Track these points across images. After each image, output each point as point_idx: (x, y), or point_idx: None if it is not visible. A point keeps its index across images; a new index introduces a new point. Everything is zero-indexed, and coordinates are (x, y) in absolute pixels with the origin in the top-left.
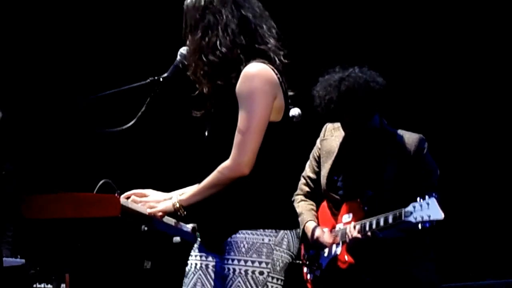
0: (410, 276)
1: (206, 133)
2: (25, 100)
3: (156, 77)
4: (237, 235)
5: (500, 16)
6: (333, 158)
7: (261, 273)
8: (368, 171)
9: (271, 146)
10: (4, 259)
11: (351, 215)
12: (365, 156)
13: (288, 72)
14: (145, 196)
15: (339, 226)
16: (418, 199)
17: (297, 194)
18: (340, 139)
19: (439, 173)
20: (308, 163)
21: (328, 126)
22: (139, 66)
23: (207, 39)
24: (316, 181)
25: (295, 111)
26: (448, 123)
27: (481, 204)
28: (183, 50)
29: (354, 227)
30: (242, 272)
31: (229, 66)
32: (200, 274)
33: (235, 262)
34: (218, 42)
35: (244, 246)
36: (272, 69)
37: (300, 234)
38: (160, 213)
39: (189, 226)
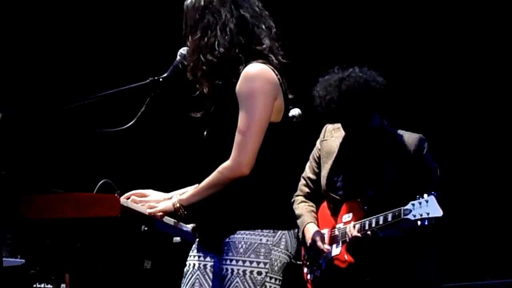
0: (410, 276)
1: (205, 133)
2: (24, 100)
3: (155, 77)
4: (235, 235)
5: (500, 16)
6: (333, 158)
7: (259, 273)
8: (368, 171)
9: (270, 147)
10: (4, 259)
11: (351, 214)
12: (365, 156)
13: (288, 73)
14: (145, 196)
15: (339, 226)
16: (417, 197)
17: (297, 195)
18: (340, 140)
19: (439, 173)
20: (308, 164)
21: (328, 127)
22: (139, 66)
23: (206, 39)
24: (316, 182)
25: (295, 111)
26: (448, 123)
27: (481, 204)
28: (182, 50)
29: (354, 226)
30: (240, 272)
31: (227, 66)
32: (198, 275)
33: (233, 262)
34: (216, 42)
35: (242, 246)
36: (272, 70)
37: (300, 236)
38: (160, 213)
39: (189, 226)
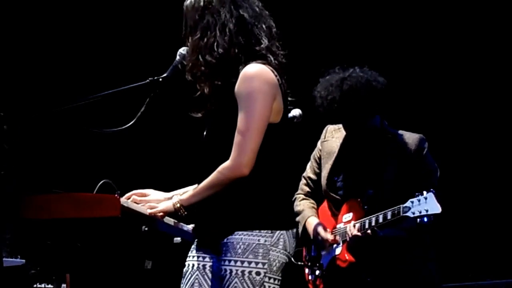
0: (410, 276)
1: (205, 133)
2: (24, 100)
3: (155, 77)
4: (233, 236)
5: (500, 16)
6: (333, 158)
7: (258, 273)
8: (368, 171)
9: (269, 148)
10: (4, 259)
11: (351, 214)
12: (365, 156)
13: (288, 73)
14: (145, 196)
15: (339, 226)
16: (416, 194)
17: (298, 194)
18: (341, 140)
19: (440, 173)
20: (309, 164)
21: (329, 127)
22: (139, 66)
23: (205, 39)
24: (317, 182)
25: (296, 112)
26: (448, 123)
27: (481, 204)
28: (182, 50)
29: (354, 225)
30: (239, 273)
31: (227, 66)
32: (197, 275)
33: (232, 263)
34: (215, 43)
35: (240, 247)
36: (272, 70)
37: (301, 230)
38: (161, 213)
39: (189, 226)
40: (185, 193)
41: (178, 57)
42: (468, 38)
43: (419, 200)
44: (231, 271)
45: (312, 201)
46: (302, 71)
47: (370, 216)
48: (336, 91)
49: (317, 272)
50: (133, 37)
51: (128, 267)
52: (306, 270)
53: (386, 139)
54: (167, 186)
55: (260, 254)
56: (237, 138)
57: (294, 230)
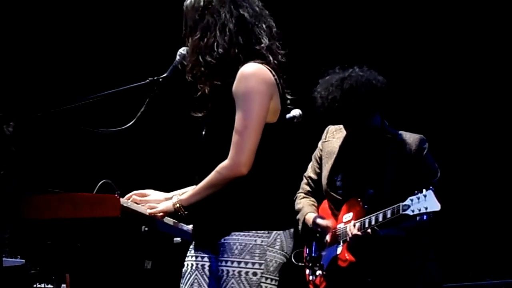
0: (410, 276)
1: (203, 133)
2: (24, 100)
3: (155, 77)
4: (230, 236)
5: (500, 16)
6: (334, 158)
7: (255, 274)
8: (369, 171)
9: (266, 148)
10: (4, 259)
11: (351, 214)
12: (366, 156)
13: (289, 73)
14: (145, 196)
15: (340, 226)
16: (415, 192)
17: (299, 193)
18: (342, 141)
19: (440, 173)
20: (310, 163)
21: (330, 128)
22: (138, 66)
23: (205, 40)
24: (317, 181)
25: (296, 112)
26: (448, 124)
27: (481, 204)
28: (182, 50)
29: (354, 225)
30: (236, 273)
31: (226, 66)
32: (196, 275)
33: (229, 263)
34: (215, 43)
35: (237, 247)
36: (269, 70)
37: (300, 227)
38: (161, 214)
39: (189, 226)
40: (185, 193)
41: (178, 57)
42: (468, 38)
43: (418, 198)
44: (228, 271)
45: (312, 199)
46: (302, 71)
47: (370, 215)
48: (336, 90)
49: (318, 272)
50: (133, 37)
51: (128, 267)
52: (307, 271)
53: (386, 139)
54: (167, 186)
55: (257, 254)
56: (234, 137)
57: (292, 230)
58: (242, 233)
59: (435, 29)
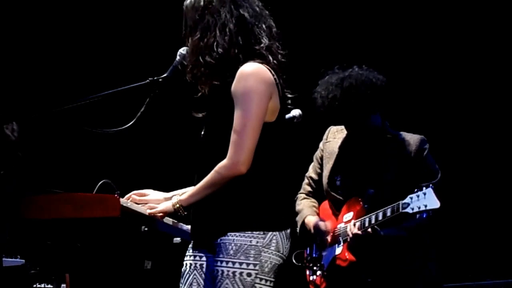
0: (411, 276)
1: (202, 133)
2: (24, 100)
3: (155, 78)
4: (226, 237)
5: (500, 16)
6: (334, 158)
7: (249, 274)
8: (369, 171)
9: (264, 147)
10: (4, 259)
11: (351, 213)
12: (366, 156)
13: (288, 73)
14: (144, 195)
15: (340, 226)
16: (415, 190)
17: (300, 193)
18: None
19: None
20: (311, 164)
21: (332, 128)
22: (138, 66)
23: (205, 40)
24: (318, 182)
25: (296, 112)
26: (449, 124)
27: (481, 204)
28: (182, 50)
29: (354, 224)
30: (230, 273)
31: (226, 66)
32: (195, 274)
33: (224, 263)
34: (215, 43)
35: (232, 248)
36: (269, 69)
37: (299, 229)
38: (160, 214)
39: (189, 226)
40: (184, 193)
41: (178, 57)
42: (468, 38)
43: (418, 196)
44: (222, 271)
45: (312, 200)
46: (302, 71)
47: (370, 214)
48: (336, 89)
49: (318, 272)
50: (133, 37)
51: (128, 267)
52: (307, 271)
53: (386, 139)
54: (167, 186)
55: (252, 255)
56: (233, 136)
57: (288, 231)
58: (238, 234)
59: (435, 29)
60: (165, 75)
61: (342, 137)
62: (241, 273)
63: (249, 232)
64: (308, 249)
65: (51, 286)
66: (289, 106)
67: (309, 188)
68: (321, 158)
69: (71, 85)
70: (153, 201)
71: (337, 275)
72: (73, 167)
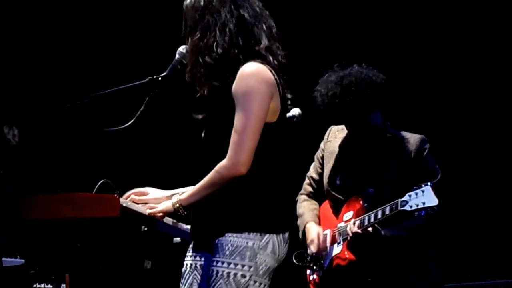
0: (411, 276)
1: (203, 134)
2: (24, 100)
3: (155, 76)
4: (224, 237)
5: (500, 16)
6: (335, 158)
7: (243, 276)
8: (369, 171)
9: (264, 148)
10: (4, 259)
11: (351, 212)
12: (366, 156)
13: (288, 73)
14: (144, 194)
15: (340, 225)
16: (413, 188)
17: (301, 194)
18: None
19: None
20: (312, 164)
21: (333, 128)
22: (138, 65)
23: (205, 40)
24: (319, 181)
25: (295, 111)
26: (449, 124)
27: (481, 204)
28: (182, 48)
29: (354, 223)
30: (225, 274)
31: (226, 67)
32: (195, 274)
33: (219, 264)
34: (215, 43)
35: (228, 248)
36: (269, 70)
37: (301, 235)
38: (160, 214)
39: (189, 226)
40: (184, 193)
41: (177, 56)
42: (468, 38)
43: (416, 194)
44: (217, 271)
45: (313, 202)
46: (302, 71)
47: (369, 213)
48: (336, 87)
49: (318, 272)
50: (132, 36)
51: (127, 267)
52: (308, 271)
53: (387, 138)
54: (167, 186)
55: (247, 257)
56: (234, 137)
57: (287, 235)
58: (235, 235)
59: (435, 29)
60: (164, 73)
61: (343, 137)
62: (235, 274)
63: (246, 233)
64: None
65: (51, 286)
66: (288, 106)
67: (310, 189)
68: (322, 157)
69: (71, 85)
70: (153, 200)
71: (337, 274)
72: (73, 167)
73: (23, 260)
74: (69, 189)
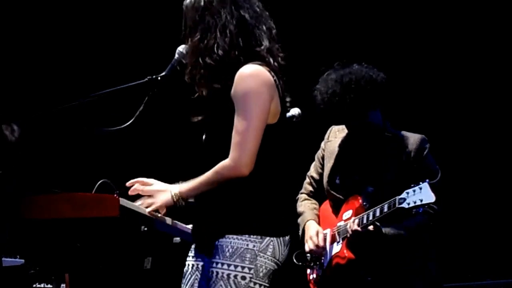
0: (410, 276)
1: (204, 137)
2: (23, 100)
3: (154, 76)
4: (224, 239)
5: (500, 16)
6: (334, 157)
7: (243, 278)
8: (369, 170)
9: (265, 150)
10: (3, 259)
11: (351, 211)
12: (366, 156)
13: (288, 73)
14: (148, 185)
15: (339, 224)
16: (411, 185)
17: (302, 193)
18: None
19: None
20: (313, 163)
21: (334, 128)
22: (137, 65)
23: (205, 41)
24: (319, 181)
25: (295, 111)
26: (449, 124)
27: (481, 204)
28: (181, 48)
29: (354, 221)
30: (225, 276)
31: (226, 69)
32: (197, 275)
33: (219, 265)
34: (215, 45)
35: (228, 250)
36: (268, 71)
37: (300, 233)
38: (159, 206)
39: (189, 227)
40: (183, 183)
41: (176, 56)
42: (468, 38)
43: (414, 191)
44: (217, 273)
45: (313, 201)
46: (302, 71)
47: (368, 211)
48: (336, 85)
49: (318, 271)
50: (132, 36)
51: (127, 267)
52: (308, 270)
53: (387, 138)
54: None
55: (247, 259)
56: (236, 138)
57: (287, 238)
58: (235, 236)
59: (436, 29)
60: (163, 73)
61: (343, 137)
62: (235, 276)
63: (247, 236)
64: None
65: (51, 286)
66: (288, 105)
67: (310, 188)
68: (323, 157)
69: (70, 85)
70: (155, 192)
71: (336, 273)
72: (72, 167)
73: (23, 260)
74: (68, 189)
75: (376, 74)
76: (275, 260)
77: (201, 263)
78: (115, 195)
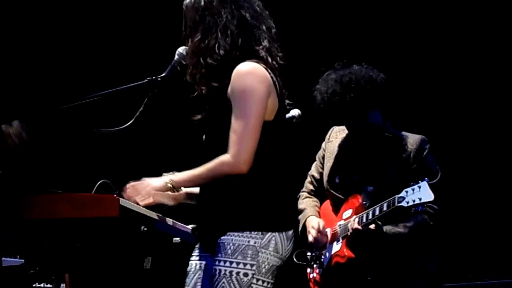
0: (410, 276)
1: (204, 137)
2: (23, 100)
3: (154, 77)
4: (226, 236)
5: (500, 16)
6: (334, 157)
7: (246, 274)
8: (369, 170)
9: (263, 146)
10: (3, 259)
11: (351, 210)
12: (366, 156)
13: (288, 73)
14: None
15: (340, 223)
16: (410, 184)
17: (303, 191)
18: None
19: (440, 174)
20: (314, 163)
21: (335, 129)
22: (137, 66)
23: (206, 41)
24: (320, 181)
25: (295, 112)
26: (449, 124)
27: (481, 204)
28: (181, 49)
29: (354, 220)
30: (227, 273)
31: (227, 68)
32: (200, 274)
33: (221, 263)
34: (216, 45)
35: (230, 247)
36: (266, 69)
37: (300, 228)
38: (152, 188)
39: (189, 227)
40: (178, 174)
41: (176, 57)
42: (468, 38)
43: (413, 190)
44: (220, 271)
45: (315, 199)
46: (302, 71)
47: (368, 210)
48: (336, 84)
49: (318, 270)
50: (132, 37)
51: (127, 267)
52: (308, 269)
53: (387, 138)
54: None
55: (249, 255)
56: (234, 135)
57: (290, 232)
58: (236, 233)
59: (436, 29)
60: (163, 74)
61: (343, 137)
62: (238, 273)
63: (248, 232)
64: (309, 247)
65: (51, 286)
66: (288, 106)
67: (311, 187)
68: (323, 157)
69: (70, 85)
70: (148, 179)
71: (336, 272)
72: (72, 167)
73: (23, 260)
74: (68, 189)
75: (376, 74)
76: (279, 256)
77: (204, 262)
78: (115, 195)
